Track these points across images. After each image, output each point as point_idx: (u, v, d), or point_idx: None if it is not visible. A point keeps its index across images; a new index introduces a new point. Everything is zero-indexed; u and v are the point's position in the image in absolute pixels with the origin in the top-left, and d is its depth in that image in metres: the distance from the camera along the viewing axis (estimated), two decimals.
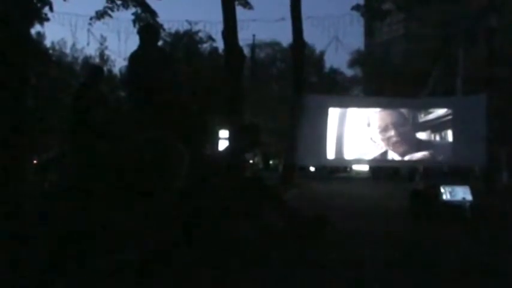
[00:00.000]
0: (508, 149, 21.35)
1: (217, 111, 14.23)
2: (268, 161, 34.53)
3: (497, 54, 17.41)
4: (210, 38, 26.11)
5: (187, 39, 27.67)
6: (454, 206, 7.57)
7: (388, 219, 7.34)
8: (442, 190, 7.84)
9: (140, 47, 6.05)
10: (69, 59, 33.97)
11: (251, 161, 36.77)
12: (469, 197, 7.75)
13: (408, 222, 7.21)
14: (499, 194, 12.06)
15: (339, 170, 28.52)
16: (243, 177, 6.33)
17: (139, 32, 6.24)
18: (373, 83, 32.32)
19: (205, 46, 27.71)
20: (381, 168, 20.80)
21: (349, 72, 37.16)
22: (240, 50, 10.96)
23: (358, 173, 28.47)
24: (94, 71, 8.45)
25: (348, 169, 29.86)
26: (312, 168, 26.41)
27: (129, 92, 6.80)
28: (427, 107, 14.96)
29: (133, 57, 6.06)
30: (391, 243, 5.10)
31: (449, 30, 22.93)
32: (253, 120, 12.26)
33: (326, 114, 14.41)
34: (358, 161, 16.42)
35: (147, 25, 9.02)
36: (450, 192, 7.82)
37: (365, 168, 23.68)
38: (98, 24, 13.43)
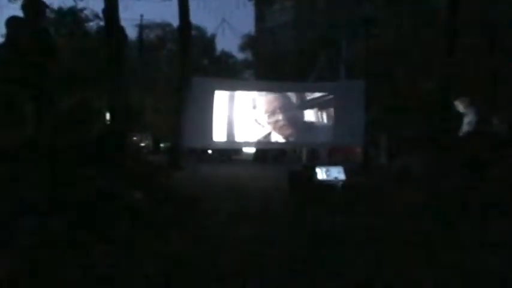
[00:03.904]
0: (387, 132, 22.72)
1: (101, 92, 13.73)
2: (159, 144, 34.01)
3: (375, 43, 18.44)
4: (97, 17, 25.05)
5: (71, 17, 26.30)
6: (328, 185, 7.98)
7: (263, 199, 7.55)
8: (317, 170, 8.24)
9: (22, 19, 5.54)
10: None
11: (142, 144, 36.06)
12: (341, 177, 8.20)
13: (282, 201, 7.45)
14: (374, 173, 12.78)
15: (232, 152, 28.69)
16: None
17: (22, 8, 5.73)
18: (263, 67, 32.88)
19: (92, 25, 26.51)
20: (263, 151, 21.29)
21: (240, 56, 37.52)
22: (121, 29, 10.61)
23: (250, 155, 28.86)
24: None
25: (241, 152, 30.17)
26: (210, 151, 26.43)
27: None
28: (310, 91, 15.53)
29: (13, 24, 5.51)
30: (258, 220, 5.28)
31: (333, 18, 23.88)
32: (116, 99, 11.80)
33: (212, 96, 14.45)
34: (247, 144, 16.72)
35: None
36: (324, 172, 8.24)
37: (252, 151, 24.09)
38: None
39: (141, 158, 6.91)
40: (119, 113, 10.09)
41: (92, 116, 6.47)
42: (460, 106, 9.17)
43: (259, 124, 14.55)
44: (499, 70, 16.01)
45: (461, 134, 8.84)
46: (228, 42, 76.98)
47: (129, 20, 26.23)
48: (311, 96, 15.05)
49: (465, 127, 8.87)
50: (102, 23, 24.34)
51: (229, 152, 25.94)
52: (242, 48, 35.01)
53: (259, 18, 38.79)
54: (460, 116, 9.27)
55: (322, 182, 8.07)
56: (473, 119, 8.83)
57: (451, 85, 13.51)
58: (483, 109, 10.08)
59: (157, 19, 33.12)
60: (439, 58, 14.58)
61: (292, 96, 15.00)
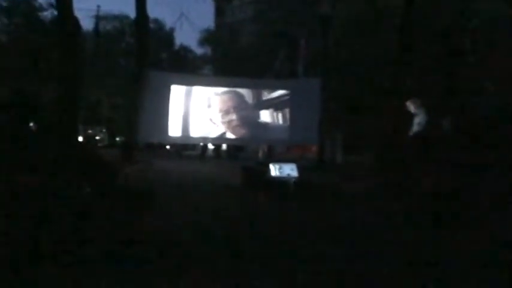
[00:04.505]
0: (343, 130, 23.02)
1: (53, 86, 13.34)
2: (115, 138, 33.52)
3: (333, 41, 18.62)
4: (51, 6, 24.32)
5: (25, 6, 25.45)
6: (280, 182, 8.07)
7: (218, 193, 7.57)
8: (271, 167, 8.32)
9: None
10: None
11: (97, 137, 35.38)
12: (294, 174, 8.31)
13: (236, 196, 7.49)
14: (327, 171, 12.97)
15: (188, 148, 28.53)
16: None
17: None
18: (222, 62, 32.69)
19: (46, 14, 25.69)
20: (217, 147, 21.26)
21: (199, 51, 37.27)
22: (75, 19, 10.35)
23: (209, 151, 28.74)
24: None
25: (198, 147, 29.99)
26: (168, 146, 26.18)
27: None
28: (268, 88, 15.58)
29: None
30: (211, 214, 5.32)
31: (292, 15, 23.97)
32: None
33: (168, 91, 14.34)
34: (202, 139, 16.64)
35: None
36: (277, 169, 8.32)
37: (211, 146, 24.00)
38: None
39: (91, 152, 6.75)
40: (69, 105, 9.86)
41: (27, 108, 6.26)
42: (411, 107, 9.35)
43: (214, 123, 14.52)
44: (451, 73, 16.42)
45: (411, 134, 9.04)
46: (188, 37, 76.39)
47: (85, 10, 25.61)
48: (267, 96, 15.12)
49: (415, 127, 9.06)
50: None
51: (180, 148, 25.67)
52: (201, 43, 34.74)
53: (219, 13, 38.68)
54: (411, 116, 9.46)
55: (275, 178, 8.15)
56: (423, 119, 9.04)
57: (404, 85, 13.78)
58: (434, 110, 10.33)
59: (115, 10, 32.57)
60: (393, 58, 14.86)
61: (248, 95, 15.01)
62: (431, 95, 13.92)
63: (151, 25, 25.13)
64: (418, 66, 15.32)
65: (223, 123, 14.65)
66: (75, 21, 10.36)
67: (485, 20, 15.50)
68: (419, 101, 9.41)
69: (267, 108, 15.11)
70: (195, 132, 14.64)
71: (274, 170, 8.28)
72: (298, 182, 8.09)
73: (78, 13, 10.66)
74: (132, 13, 18.41)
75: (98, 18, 28.09)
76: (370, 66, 18.06)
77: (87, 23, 31.93)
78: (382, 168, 7.65)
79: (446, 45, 16.60)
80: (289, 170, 8.37)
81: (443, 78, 16.01)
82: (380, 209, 5.80)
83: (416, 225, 4.99)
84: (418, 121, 9.08)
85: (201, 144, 20.99)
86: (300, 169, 8.43)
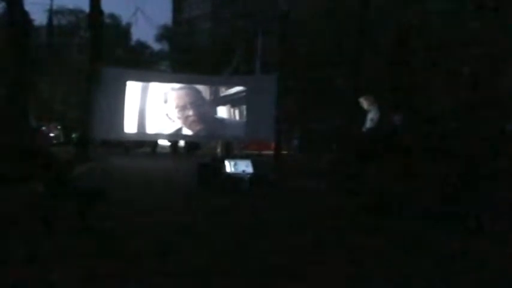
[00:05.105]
0: (300, 127, 23.22)
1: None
2: (70, 135, 32.80)
3: (290, 38, 18.77)
4: (3, 0, 23.56)
5: None
6: (236, 178, 8.14)
7: (172, 190, 7.56)
8: (226, 163, 8.38)
9: None
10: None
11: (52, 135, 34.52)
12: (249, 170, 8.40)
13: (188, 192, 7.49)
14: (283, 167, 13.07)
15: (146, 144, 28.23)
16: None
17: None
18: (180, 59, 32.47)
19: None
20: (174, 143, 21.10)
21: (157, 47, 36.88)
22: (25, 13, 10.06)
23: (163, 147, 28.54)
24: None
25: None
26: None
27: None
28: (224, 84, 15.55)
29: None
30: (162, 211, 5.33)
31: (250, 12, 24.04)
32: None
33: (124, 87, 14.09)
34: (159, 136, 16.47)
35: None
36: (233, 166, 8.38)
37: (167, 143, 23.80)
38: None
39: (43, 149, 6.62)
40: (19, 100, 9.59)
41: None
42: (364, 103, 9.52)
43: (170, 119, 14.38)
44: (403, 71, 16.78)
45: (364, 130, 9.21)
46: (145, 32, 75.39)
47: (39, 4, 24.95)
48: (224, 93, 15.08)
49: (368, 123, 9.24)
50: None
51: (133, 144, 25.31)
52: (158, 39, 34.39)
53: (176, 9, 38.36)
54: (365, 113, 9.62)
55: (230, 174, 8.22)
56: (375, 116, 9.23)
57: (359, 82, 14.02)
58: (386, 107, 10.55)
59: (70, 5, 31.83)
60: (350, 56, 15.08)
61: (205, 91, 14.92)
62: (384, 92, 14.22)
63: (107, 20, 24.75)
64: (371, 65, 15.61)
65: (179, 118, 14.52)
66: (25, 15, 10.07)
67: (437, 20, 15.93)
68: (372, 97, 9.60)
69: (224, 104, 15.07)
70: (151, 129, 14.48)
71: (229, 166, 8.34)
72: (254, 178, 8.18)
73: (31, 7, 10.40)
74: (87, 7, 18.08)
75: (52, 12, 27.36)
76: (326, 64, 18.28)
77: (40, 17, 31.15)
78: (335, 166, 7.79)
79: (399, 45, 16.96)
80: (244, 166, 8.45)
81: (395, 76, 16.36)
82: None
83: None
84: (371, 117, 9.26)
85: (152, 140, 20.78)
86: (254, 165, 8.52)
